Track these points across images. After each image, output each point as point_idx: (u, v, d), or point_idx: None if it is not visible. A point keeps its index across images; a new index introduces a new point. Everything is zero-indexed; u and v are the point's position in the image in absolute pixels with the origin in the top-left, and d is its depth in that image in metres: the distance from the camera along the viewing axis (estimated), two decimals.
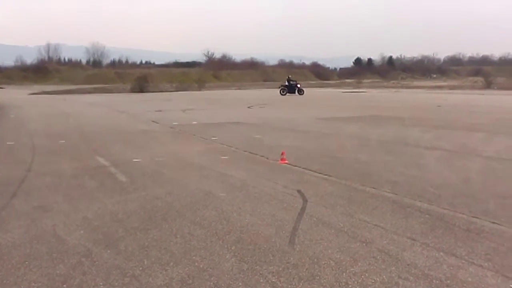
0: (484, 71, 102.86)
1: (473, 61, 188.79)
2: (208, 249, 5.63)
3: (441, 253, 5.45)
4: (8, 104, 38.33)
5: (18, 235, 6.25)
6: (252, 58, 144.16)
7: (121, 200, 8.04)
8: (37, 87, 73.70)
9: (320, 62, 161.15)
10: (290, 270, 5.00)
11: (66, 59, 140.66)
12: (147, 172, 10.42)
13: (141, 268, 5.10)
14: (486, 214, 7.00)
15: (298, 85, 54.54)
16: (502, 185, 8.93)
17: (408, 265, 5.12)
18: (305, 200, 7.83)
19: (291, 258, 5.33)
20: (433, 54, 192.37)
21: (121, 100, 44.34)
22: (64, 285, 4.73)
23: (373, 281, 4.73)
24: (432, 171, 10.29)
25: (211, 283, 4.73)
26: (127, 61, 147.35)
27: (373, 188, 8.71)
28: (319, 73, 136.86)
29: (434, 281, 4.72)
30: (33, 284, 4.78)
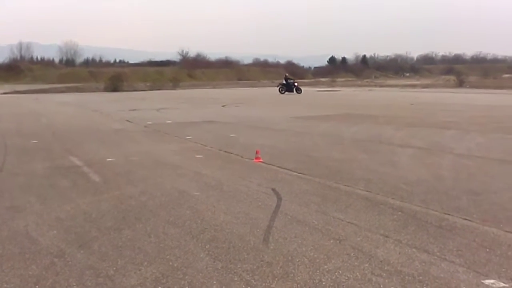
0: (456, 70, 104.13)
1: (445, 60, 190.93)
2: (182, 248, 5.62)
3: (414, 250, 5.51)
4: None
5: None
6: (226, 57, 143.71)
7: (94, 200, 7.98)
8: (8, 87, 72.64)
9: (295, 61, 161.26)
10: (264, 268, 5.01)
11: (39, 58, 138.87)
12: (120, 171, 10.36)
13: (114, 268, 5.07)
14: (458, 211, 7.09)
15: (296, 84, 53.87)
16: (474, 182, 9.06)
17: (381, 261, 5.16)
18: (279, 198, 7.85)
19: (265, 256, 5.34)
20: (406, 53, 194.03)
21: (95, 99, 43.97)
22: (37, 286, 4.68)
23: (346, 278, 4.77)
24: (405, 169, 10.40)
25: (185, 282, 4.72)
26: (100, 60, 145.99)
27: (347, 186, 8.77)
28: (294, 72, 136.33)
29: (406, 277, 4.77)
30: (5, 285, 4.72)
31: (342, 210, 7.19)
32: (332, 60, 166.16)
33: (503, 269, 4.92)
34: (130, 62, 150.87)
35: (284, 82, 54.41)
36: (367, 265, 5.08)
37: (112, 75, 71.43)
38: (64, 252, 5.54)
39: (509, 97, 40.80)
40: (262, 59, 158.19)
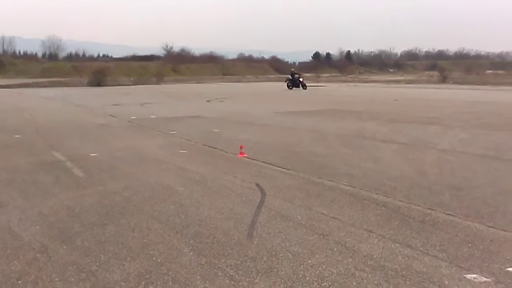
0: (439, 66, 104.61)
1: (429, 55, 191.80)
2: (166, 243, 5.61)
3: (397, 245, 5.54)
4: None
5: None
6: (211, 52, 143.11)
7: (77, 195, 7.94)
8: None
9: (279, 56, 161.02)
10: (248, 263, 5.02)
11: (22, 52, 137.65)
12: (104, 166, 10.31)
13: (97, 264, 5.05)
14: (441, 206, 7.14)
15: (301, 79, 51.75)
16: (457, 177, 9.12)
17: (364, 256, 5.19)
18: (263, 194, 7.86)
19: (249, 251, 5.35)
20: (390, 49, 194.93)
21: (78, 94, 43.68)
22: (19, 282, 4.65)
23: (330, 272, 4.79)
24: (388, 164, 10.45)
25: (169, 277, 4.71)
26: (84, 54, 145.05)
27: (331, 181, 8.80)
28: (278, 68, 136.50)
29: (389, 272, 4.80)
30: None
31: (326, 205, 7.22)
32: (316, 55, 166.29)
33: (485, 264, 4.97)
34: (114, 56, 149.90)
35: (290, 77, 52.45)
36: (350, 260, 5.10)
37: (96, 70, 70.83)
38: (47, 248, 5.51)
39: (491, 93, 41.13)
40: (247, 54, 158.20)
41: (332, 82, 74.26)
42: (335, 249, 5.40)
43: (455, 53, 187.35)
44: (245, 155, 11.28)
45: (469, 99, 33.10)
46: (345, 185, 8.49)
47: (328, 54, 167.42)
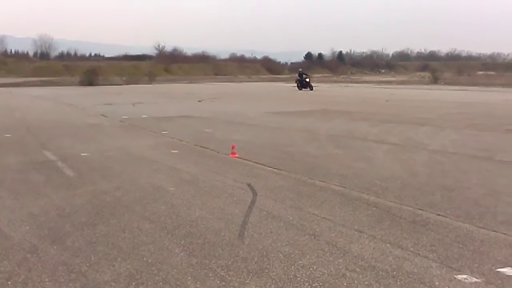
0: (431, 67, 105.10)
1: (420, 56, 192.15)
2: (157, 244, 5.59)
3: (388, 245, 5.55)
4: None
5: None
6: (203, 52, 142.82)
7: (68, 195, 7.91)
8: None
9: (272, 57, 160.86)
10: (239, 264, 5.01)
11: (13, 51, 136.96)
12: (95, 166, 10.28)
13: (88, 264, 5.02)
14: (432, 207, 7.16)
15: (307, 80, 49.57)
16: (448, 178, 9.15)
17: (355, 257, 5.19)
18: (255, 194, 7.86)
19: (240, 252, 5.34)
20: (382, 50, 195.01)
21: (70, 94, 43.50)
22: (9, 282, 4.62)
23: (321, 273, 4.78)
24: (379, 165, 10.47)
25: (160, 277, 4.70)
26: (75, 54, 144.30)
27: (322, 181, 8.80)
28: (271, 68, 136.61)
29: (380, 272, 4.81)
30: None
31: (317, 205, 7.22)
32: (308, 56, 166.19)
33: (476, 265, 4.98)
34: (106, 56, 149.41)
35: (299, 77, 50.80)
36: (341, 260, 5.10)
37: (88, 69, 70.63)
38: (37, 248, 5.49)
39: (482, 94, 41.28)
40: (239, 54, 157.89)
41: (324, 83, 74.27)
42: (326, 249, 5.40)
43: (447, 54, 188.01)
44: (236, 155, 11.27)
45: (460, 100, 33.21)
46: (336, 185, 8.50)
47: (320, 55, 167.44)
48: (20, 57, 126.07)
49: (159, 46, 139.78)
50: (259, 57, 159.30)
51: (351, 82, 79.49)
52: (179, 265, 4.98)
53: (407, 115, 21.77)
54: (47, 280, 4.67)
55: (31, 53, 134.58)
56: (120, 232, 6.02)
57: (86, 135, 15.40)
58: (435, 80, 70.06)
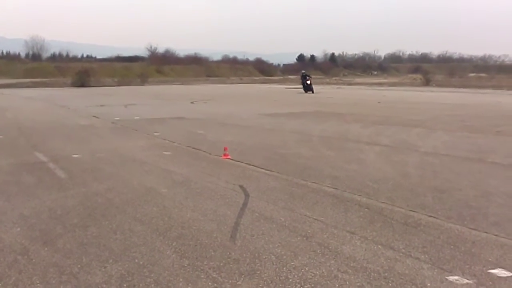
0: (423, 69, 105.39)
1: (412, 58, 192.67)
2: (148, 246, 5.58)
3: (379, 246, 5.56)
4: None
5: None
6: (196, 53, 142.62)
7: (59, 196, 7.88)
8: None
9: (264, 58, 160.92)
10: (231, 265, 5.01)
11: (4, 52, 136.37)
12: (87, 168, 10.25)
13: (79, 266, 5.01)
14: (423, 208, 7.18)
15: (308, 82, 46.39)
16: (439, 180, 9.17)
17: (347, 258, 5.20)
18: (247, 195, 7.86)
19: (232, 253, 5.33)
20: (374, 52, 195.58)
21: (62, 95, 43.40)
22: (0, 284, 4.61)
23: (313, 274, 4.79)
24: (371, 166, 10.48)
25: (151, 279, 4.68)
26: (67, 55, 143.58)
27: (314, 183, 8.81)
28: (263, 69, 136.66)
29: (372, 273, 4.81)
30: None
31: (309, 207, 7.22)
32: (301, 57, 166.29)
33: (467, 266, 5.00)
34: (98, 57, 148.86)
35: (301, 79, 47.73)
36: (333, 261, 5.11)
37: (80, 70, 70.36)
38: (28, 250, 5.47)
39: (474, 96, 41.43)
40: (231, 56, 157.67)
41: (317, 84, 74.18)
42: (318, 251, 5.41)
43: (438, 56, 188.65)
44: (229, 157, 11.27)
45: (452, 102, 33.29)
46: (328, 187, 8.51)
47: (312, 56, 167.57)
48: (12, 58, 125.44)
49: (151, 48, 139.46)
50: (251, 58, 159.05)
51: (344, 84, 79.60)
52: (171, 267, 4.97)
53: (399, 117, 21.82)
54: (38, 282, 4.65)
55: (22, 54, 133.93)
56: (111, 234, 6.00)
57: (78, 137, 15.35)
58: (427, 82, 70.26)
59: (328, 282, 4.63)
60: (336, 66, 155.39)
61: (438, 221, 6.58)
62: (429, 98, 37.85)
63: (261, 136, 15.40)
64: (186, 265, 5.01)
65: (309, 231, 6.09)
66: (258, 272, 4.84)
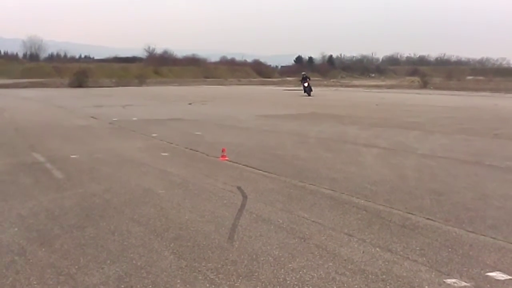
0: (421, 71, 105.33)
1: (410, 61, 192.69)
2: (146, 247, 5.57)
3: (377, 249, 5.55)
4: None
5: None
6: (194, 55, 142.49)
7: (57, 197, 7.87)
8: None
9: (262, 60, 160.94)
10: (228, 267, 5.00)
11: (2, 52, 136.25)
12: (84, 168, 10.23)
13: (76, 267, 4.99)
14: (421, 210, 7.18)
15: (305, 84, 45.02)
16: (437, 182, 9.17)
17: (345, 260, 5.20)
18: (244, 197, 7.85)
19: (230, 255, 5.33)
20: (372, 54, 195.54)
21: (59, 95, 43.36)
22: None
23: (310, 276, 4.78)
24: (369, 168, 10.48)
25: (149, 281, 4.68)
26: (65, 55, 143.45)
27: (312, 184, 8.80)
28: (261, 71, 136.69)
29: (370, 276, 4.81)
30: None
31: (307, 209, 7.22)
32: (299, 59, 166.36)
33: (465, 269, 5.00)
34: (96, 58, 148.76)
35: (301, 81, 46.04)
36: (331, 264, 5.10)
37: (77, 71, 70.30)
38: (25, 250, 5.45)
39: (472, 99, 41.49)
40: (229, 57, 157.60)
41: (314, 86, 74.33)
42: (316, 253, 5.40)
43: (436, 59, 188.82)
44: (226, 158, 11.26)
45: (449, 105, 33.37)
46: (326, 189, 8.50)
47: (310, 58, 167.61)
48: (9, 58, 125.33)
49: (149, 48, 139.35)
50: (249, 60, 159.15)
51: (341, 86, 79.70)
52: (168, 268, 4.96)
53: (396, 119, 21.84)
54: (35, 282, 4.64)
55: (20, 55, 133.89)
56: (109, 235, 5.99)
57: (76, 137, 15.34)
58: (424, 85, 70.30)
59: (326, 284, 4.63)
60: (334, 68, 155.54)
61: (436, 223, 6.58)
62: (427, 101, 37.90)
63: (259, 138, 15.39)
64: (183, 267, 5.00)
65: (307, 233, 6.08)
66: (256, 274, 4.84)
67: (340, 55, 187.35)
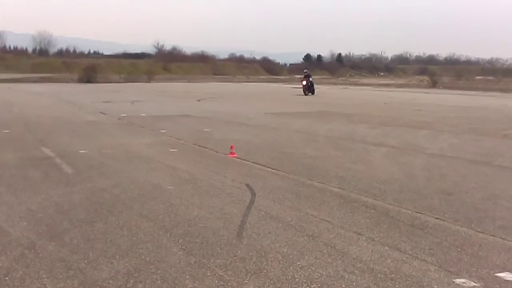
0: (430, 71, 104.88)
1: (419, 60, 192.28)
2: (155, 242, 5.58)
3: (386, 248, 5.55)
4: None
5: None
6: (202, 51, 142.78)
7: (66, 191, 7.90)
8: None
9: (271, 57, 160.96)
10: (237, 264, 5.01)
11: (12, 47, 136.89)
12: (93, 164, 10.27)
13: (86, 261, 5.01)
14: (430, 210, 7.16)
15: (303, 83, 42.66)
16: (446, 182, 9.15)
17: (353, 259, 5.19)
18: (253, 194, 7.85)
19: (239, 252, 5.33)
20: (381, 53, 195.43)
21: (68, 90, 43.50)
22: (7, 278, 4.61)
23: (319, 274, 4.78)
24: (378, 167, 10.46)
25: (158, 276, 4.69)
26: (74, 51, 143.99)
27: (321, 183, 8.80)
28: (270, 68, 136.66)
29: (378, 275, 4.80)
30: None
31: (315, 207, 7.21)
32: (307, 57, 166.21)
33: (474, 269, 4.98)
34: (105, 53, 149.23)
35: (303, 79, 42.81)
36: (340, 262, 5.10)
37: (86, 66, 70.67)
38: (35, 244, 5.48)
39: (481, 99, 41.31)
40: (238, 54, 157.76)
41: (323, 84, 74.13)
42: (325, 251, 5.40)
43: (446, 58, 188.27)
44: (235, 155, 11.26)
45: (459, 104, 33.23)
46: (335, 187, 8.49)
47: (319, 56, 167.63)
48: (19, 53, 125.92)
49: (158, 45, 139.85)
50: (258, 57, 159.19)
51: (350, 84, 79.50)
52: (177, 264, 4.97)
53: (405, 118, 21.78)
54: (45, 276, 4.66)
55: (30, 49, 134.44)
56: (118, 230, 6.01)
57: (85, 132, 15.38)
58: (433, 84, 70.01)
59: (335, 282, 4.62)
60: (343, 67, 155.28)
61: (445, 223, 6.56)
62: (436, 100, 37.73)
63: (268, 135, 15.39)
64: (192, 263, 5.01)
65: (316, 231, 6.08)
66: (265, 271, 4.84)
67: (349, 53, 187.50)
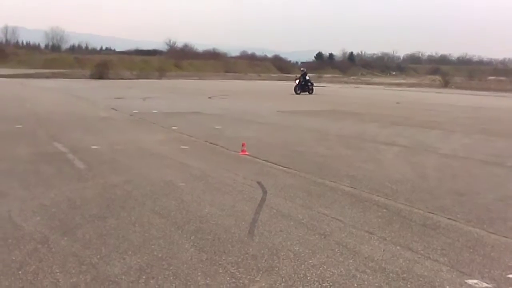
0: (442, 70, 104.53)
1: (431, 60, 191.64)
2: (167, 239, 5.60)
3: (398, 247, 5.53)
4: None
5: None
6: (214, 49, 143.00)
7: (78, 187, 7.93)
8: None
9: (282, 56, 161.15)
10: (249, 261, 5.02)
11: (24, 43, 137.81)
12: (105, 159, 10.31)
13: (98, 256, 5.04)
14: (442, 210, 7.13)
15: (297, 81, 41.13)
16: (458, 182, 9.11)
17: (365, 258, 5.18)
18: (264, 192, 7.86)
19: (250, 249, 5.34)
20: (393, 52, 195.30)
21: (80, 86, 43.68)
22: (20, 272, 4.64)
23: (331, 273, 4.78)
24: (389, 167, 10.43)
25: (170, 272, 4.70)
26: (87, 47, 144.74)
27: (332, 181, 8.78)
28: (281, 66, 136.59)
29: (390, 274, 4.80)
30: None
31: (327, 205, 7.21)
32: (319, 56, 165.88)
33: (486, 270, 4.97)
34: (117, 50, 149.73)
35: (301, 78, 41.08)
36: (351, 261, 5.09)
37: (98, 63, 70.94)
38: (48, 239, 5.51)
39: (493, 99, 41.14)
40: (249, 52, 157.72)
41: (334, 83, 74.20)
42: (336, 250, 5.40)
43: (458, 58, 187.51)
44: (246, 153, 11.27)
45: (471, 104, 33.10)
46: (346, 186, 8.48)
47: (330, 55, 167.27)
48: (32, 48, 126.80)
49: (170, 42, 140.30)
50: (269, 55, 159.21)
51: (361, 83, 79.37)
52: (189, 261, 4.98)
53: (417, 118, 21.71)
54: (57, 271, 4.68)
55: (42, 45, 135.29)
56: (130, 226, 6.03)
57: (97, 128, 15.45)
58: (445, 84, 69.80)
59: (347, 281, 4.62)
60: (354, 65, 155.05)
61: (457, 224, 6.54)
62: (448, 100, 37.60)
63: (279, 133, 15.39)
64: (204, 259, 5.02)
65: (327, 230, 6.08)
66: (276, 269, 4.85)
67: (361, 52, 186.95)
